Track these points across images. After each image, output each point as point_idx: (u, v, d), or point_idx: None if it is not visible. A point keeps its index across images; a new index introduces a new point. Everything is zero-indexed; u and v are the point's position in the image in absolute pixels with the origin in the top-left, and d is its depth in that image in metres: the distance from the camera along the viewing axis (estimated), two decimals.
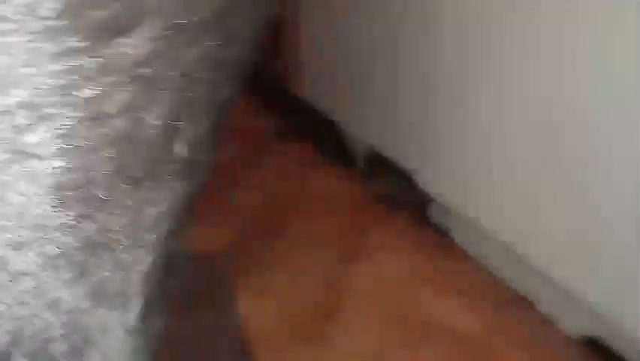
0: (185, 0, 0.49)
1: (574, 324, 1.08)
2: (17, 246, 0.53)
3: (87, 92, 0.48)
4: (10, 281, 0.54)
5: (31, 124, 0.48)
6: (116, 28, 0.47)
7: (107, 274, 0.57)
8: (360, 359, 1.08)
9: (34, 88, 0.47)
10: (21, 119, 0.48)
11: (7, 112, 0.47)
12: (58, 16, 0.44)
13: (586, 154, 0.98)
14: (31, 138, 0.48)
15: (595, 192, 0.99)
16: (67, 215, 0.52)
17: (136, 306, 0.59)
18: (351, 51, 1.47)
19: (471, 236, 1.27)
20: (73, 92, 0.47)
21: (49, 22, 0.44)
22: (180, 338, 0.87)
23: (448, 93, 1.20)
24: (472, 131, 1.18)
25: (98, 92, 0.48)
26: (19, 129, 0.48)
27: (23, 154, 0.49)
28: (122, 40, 0.47)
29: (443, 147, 1.25)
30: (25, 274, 0.54)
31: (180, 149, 0.55)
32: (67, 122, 0.48)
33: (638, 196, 0.93)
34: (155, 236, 0.58)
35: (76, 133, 0.49)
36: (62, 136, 0.49)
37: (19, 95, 0.47)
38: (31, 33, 0.44)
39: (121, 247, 0.56)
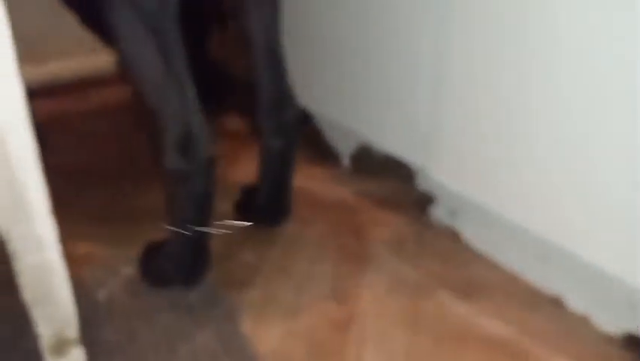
0: None
1: (610, 321, 1.01)
2: None
3: None
4: None
5: None
6: None
7: None
8: None
9: None
10: None
11: None
12: None
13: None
14: None
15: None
16: None
17: None
18: (335, 46, 1.37)
19: (484, 235, 1.19)
20: None
21: None
22: None
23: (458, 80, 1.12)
24: (484, 118, 1.10)
25: None
26: None
27: None
28: None
29: (452, 138, 1.17)
30: None
31: None
32: None
33: None
34: None
35: None
36: None
37: None
38: None
39: None
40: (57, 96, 1.76)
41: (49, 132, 1.45)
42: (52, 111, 1.68)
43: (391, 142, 1.31)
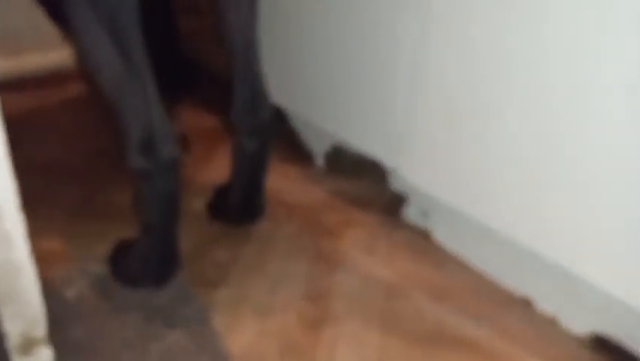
0: None
1: (578, 322, 1.03)
2: None
3: None
4: None
5: None
6: None
7: None
8: None
9: None
10: None
11: None
12: None
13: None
14: None
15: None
16: None
17: None
18: (311, 45, 1.36)
19: (456, 236, 1.20)
20: None
21: None
22: None
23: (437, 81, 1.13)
24: (461, 118, 1.11)
25: None
26: None
27: None
28: None
29: (426, 139, 1.17)
30: None
31: None
32: None
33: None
34: None
35: None
36: None
37: None
38: None
39: None
40: (26, 90, 1.73)
41: (18, 127, 1.42)
42: (21, 106, 1.65)
43: (365, 142, 1.31)
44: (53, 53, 1.78)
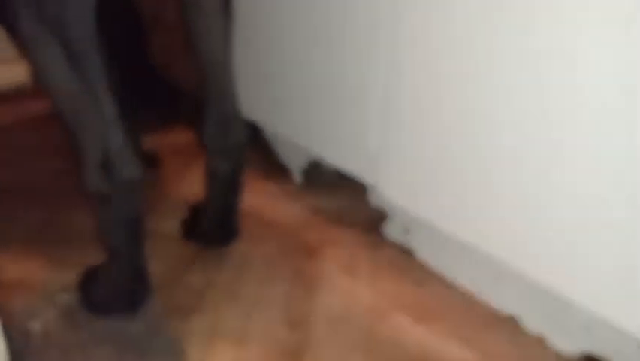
0: None
1: (565, 341, 1.00)
2: None
3: None
4: None
5: None
6: None
7: None
8: None
9: None
10: None
11: None
12: None
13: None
14: None
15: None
16: None
17: None
18: (286, 60, 1.32)
19: (438, 254, 1.17)
20: None
21: None
22: None
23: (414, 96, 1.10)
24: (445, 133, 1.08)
25: None
26: None
27: None
28: None
29: (402, 156, 1.14)
30: None
31: None
32: None
33: None
34: None
35: None
36: None
37: None
38: None
39: None
40: None
41: None
42: None
43: (342, 158, 1.27)
44: (11, 68, 1.70)
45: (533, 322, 1.04)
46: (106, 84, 0.86)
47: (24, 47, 0.86)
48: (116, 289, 1.00)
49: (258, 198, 1.34)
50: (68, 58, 0.82)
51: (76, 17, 0.81)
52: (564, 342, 1.00)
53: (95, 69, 0.85)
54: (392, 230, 1.24)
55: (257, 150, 1.47)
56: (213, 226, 1.17)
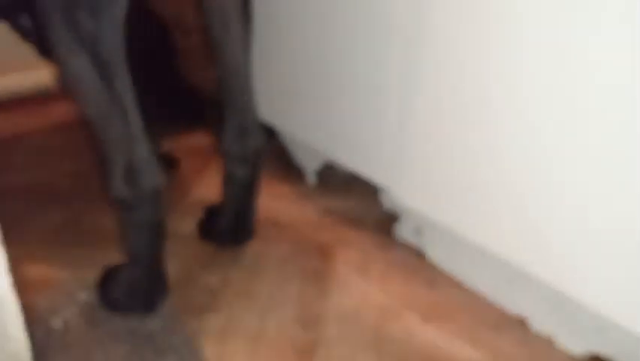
0: None
1: (575, 342, 1.01)
2: None
3: None
4: None
5: None
6: None
7: None
8: None
9: None
10: None
11: None
12: None
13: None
14: None
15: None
16: None
17: None
18: (302, 63, 1.35)
19: (449, 255, 1.18)
20: None
21: None
22: None
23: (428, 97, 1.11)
24: (455, 136, 1.09)
25: None
26: None
27: None
28: None
29: (418, 158, 1.16)
30: None
31: None
32: None
33: None
34: None
35: None
36: None
37: None
38: None
39: None
40: (8, 111, 1.70)
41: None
42: (2, 127, 1.63)
43: (356, 161, 1.29)
44: (35, 73, 1.75)
45: (542, 323, 1.05)
46: (132, 95, 0.89)
47: (57, 60, 0.89)
48: (134, 288, 1.03)
49: (272, 199, 1.37)
50: (98, 69, 0.85)
51: (108, 31, 0.84)
52: (573, 343, 1.02)
53: (123, 80, 0.88)
54: (404, 231, 1.26)
55: (271, 151, 1.50)
56: (229, 227, 1.19)
